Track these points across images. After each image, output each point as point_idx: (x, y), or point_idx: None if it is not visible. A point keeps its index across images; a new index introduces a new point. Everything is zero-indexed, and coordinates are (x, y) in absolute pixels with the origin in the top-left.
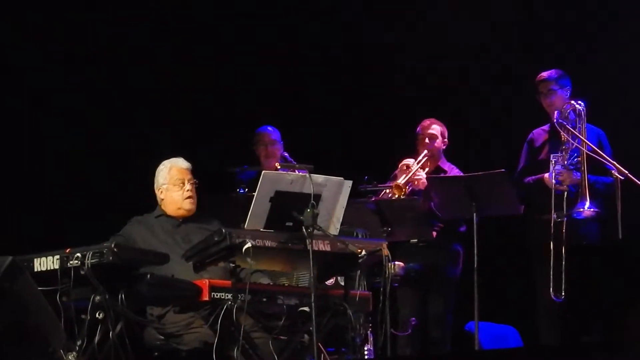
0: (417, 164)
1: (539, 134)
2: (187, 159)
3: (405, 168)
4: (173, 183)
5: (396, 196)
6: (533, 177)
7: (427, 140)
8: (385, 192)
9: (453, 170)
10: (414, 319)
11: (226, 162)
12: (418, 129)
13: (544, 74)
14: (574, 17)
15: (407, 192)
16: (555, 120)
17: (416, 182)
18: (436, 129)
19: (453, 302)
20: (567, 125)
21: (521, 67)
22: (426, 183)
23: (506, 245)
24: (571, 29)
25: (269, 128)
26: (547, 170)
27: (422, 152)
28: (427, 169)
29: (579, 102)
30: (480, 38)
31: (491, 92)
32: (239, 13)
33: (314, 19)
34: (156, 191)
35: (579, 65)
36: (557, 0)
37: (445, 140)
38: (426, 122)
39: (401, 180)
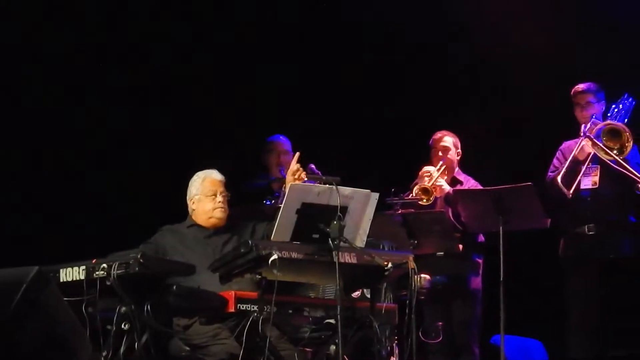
0: (438, 171)
1: (570, 145)
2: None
3: (427, 174)
4: (205, 194)
5: (423, 200)
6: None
7: (440, 153)
8: (412, 195)
9: (469, 182)
10: (440, 323)
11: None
12: (430, 141)
13: (583, 86)
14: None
15: (431, 198)
16: (582, 133)
17: (437, 189)
18: (448, 140)
19: (478, 312)
20: (595, 140)
21: (547, 78)
22: (446, 190)
23: (532, 258)
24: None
25: (281, 137)
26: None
27: (439, 163)
28: (445, 178)
29: (631, 99)
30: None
31: (517, 102)
32: (259, 21)
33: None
34: (188, 201)
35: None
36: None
37: (459, 151)
38: (437, 134)
39: (428, 183)
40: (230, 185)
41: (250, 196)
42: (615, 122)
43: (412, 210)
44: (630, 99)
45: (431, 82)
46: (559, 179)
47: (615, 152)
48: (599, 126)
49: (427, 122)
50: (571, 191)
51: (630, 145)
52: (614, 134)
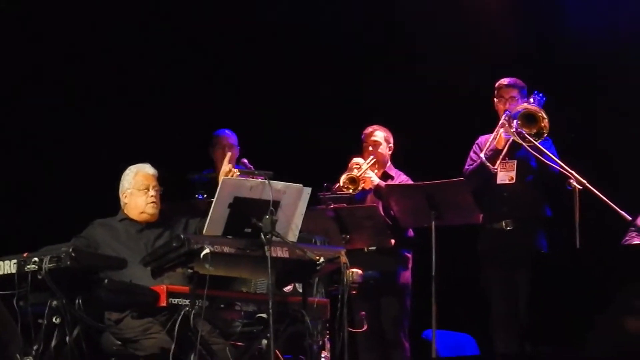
0: (367, 164)
1: (487, 138)
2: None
3: (356, 166)
4: (138, 188)
5: (350, 190)
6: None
7: (370, 147)
8: (339, 186)
9: (400, 177)
10: (363, 312)
11: (181, 167)
12: (362, 135)
13: (509, 80)
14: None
15: (358, 188)
16: (500, 122)
17: (364, 181)
18: (379, 135)
19: (408, 306)
20: (513, 127)
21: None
22: (375, 183)
23: (463, 253)
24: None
25: (227, 131)
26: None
27: (369, 157)
28: (376, 172)
29: (541, 95)
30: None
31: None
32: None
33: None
34: (120, 195)
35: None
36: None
37: (391, 145)
38: (369, 129)
39: (356, 173)
40: (163, 179)
41: (194, 189)
42: (529, 105)
43: (345, 205)
44: (540, 95)
45: (369, 78)
46: (482, 156)
47: (534, 137)
48: (514, 111)
49: (362, 116)
50: (496, 166)
51: (546, 126)
52: (529, 118)
